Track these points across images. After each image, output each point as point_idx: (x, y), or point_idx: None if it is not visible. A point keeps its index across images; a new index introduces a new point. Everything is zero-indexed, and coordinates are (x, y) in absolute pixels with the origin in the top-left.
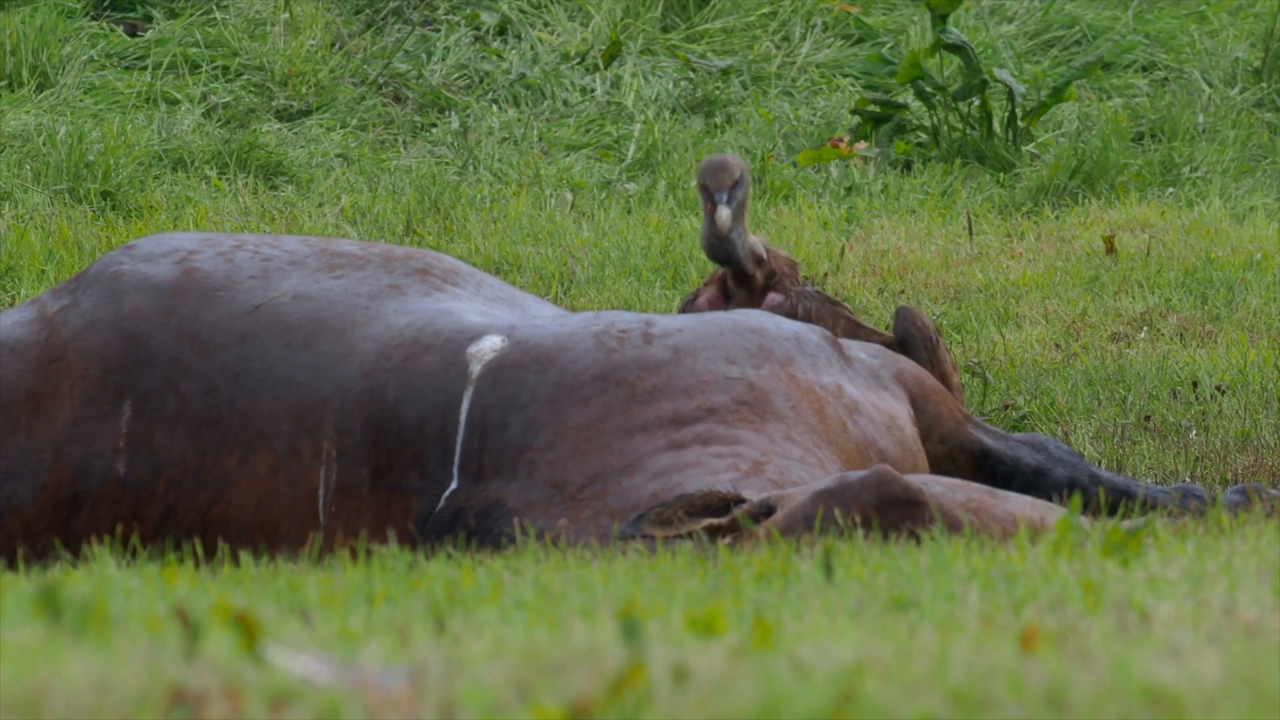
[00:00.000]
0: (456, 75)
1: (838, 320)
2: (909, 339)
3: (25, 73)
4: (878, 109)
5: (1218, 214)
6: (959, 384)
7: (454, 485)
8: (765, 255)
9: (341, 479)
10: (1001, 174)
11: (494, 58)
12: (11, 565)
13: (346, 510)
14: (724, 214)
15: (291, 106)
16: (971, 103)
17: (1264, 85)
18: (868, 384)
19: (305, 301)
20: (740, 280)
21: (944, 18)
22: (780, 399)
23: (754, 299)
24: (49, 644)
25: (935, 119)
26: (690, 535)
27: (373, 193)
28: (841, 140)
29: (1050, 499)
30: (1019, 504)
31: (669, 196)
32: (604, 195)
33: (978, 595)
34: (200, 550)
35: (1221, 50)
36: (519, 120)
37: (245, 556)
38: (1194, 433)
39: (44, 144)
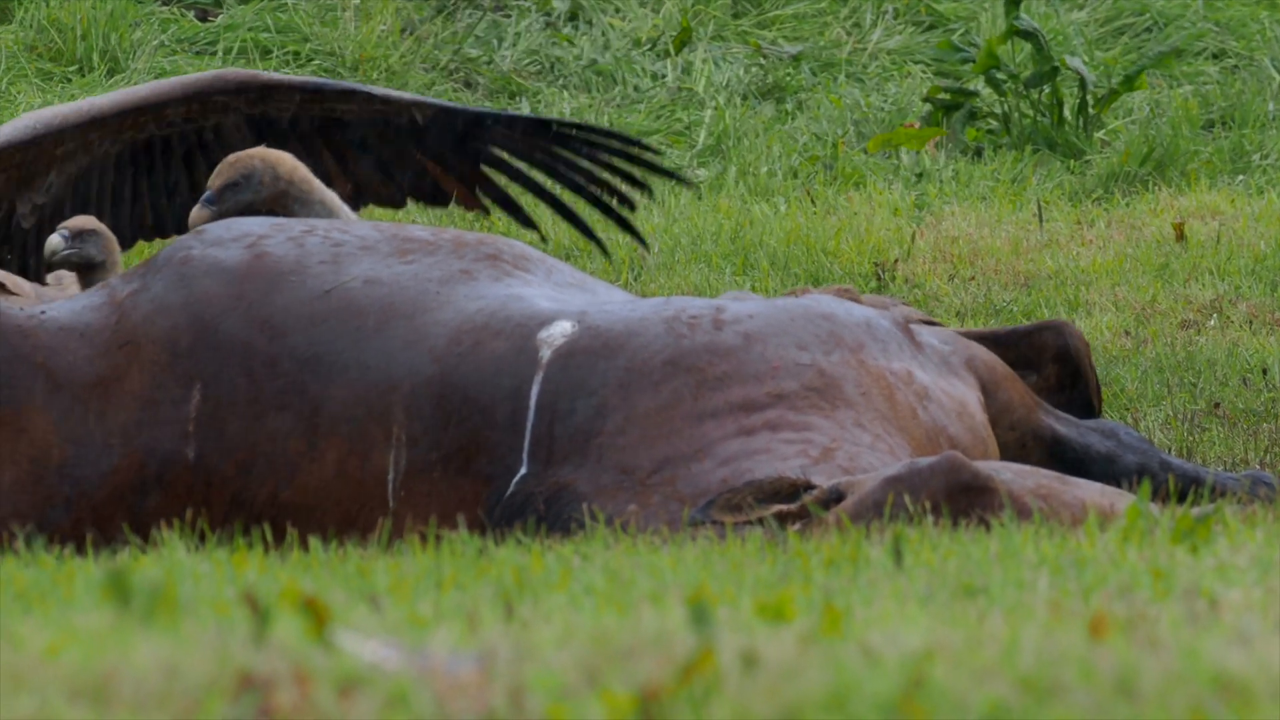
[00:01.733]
0: (527, 61)
1: None
2: (1070, 355)
3: (96, 58)
4: (949, 96)
5: None
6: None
7: (523, 470)
8: None
9: (411, 464)
10: (1072, 161)
11: (565, 44)
12: (81, 550)
13: (416, 495)
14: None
15: None
16: (1042, 90)
17: None
18: (938, 370)
19: (376, 286)
20: None
21: (1017, 4)
22: (850, 385)
23: None
24: (118, 629)
25: (1006, 106)
26: (760, 521)
27: None
28: (914, 126)
29: (1120, 486)
30: (1088, 490)
31: (739, 183)
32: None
33: (1047, 582)
34: (269, 535)
35: None
36: (590, 106)
37: (314, 541)
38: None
39: None
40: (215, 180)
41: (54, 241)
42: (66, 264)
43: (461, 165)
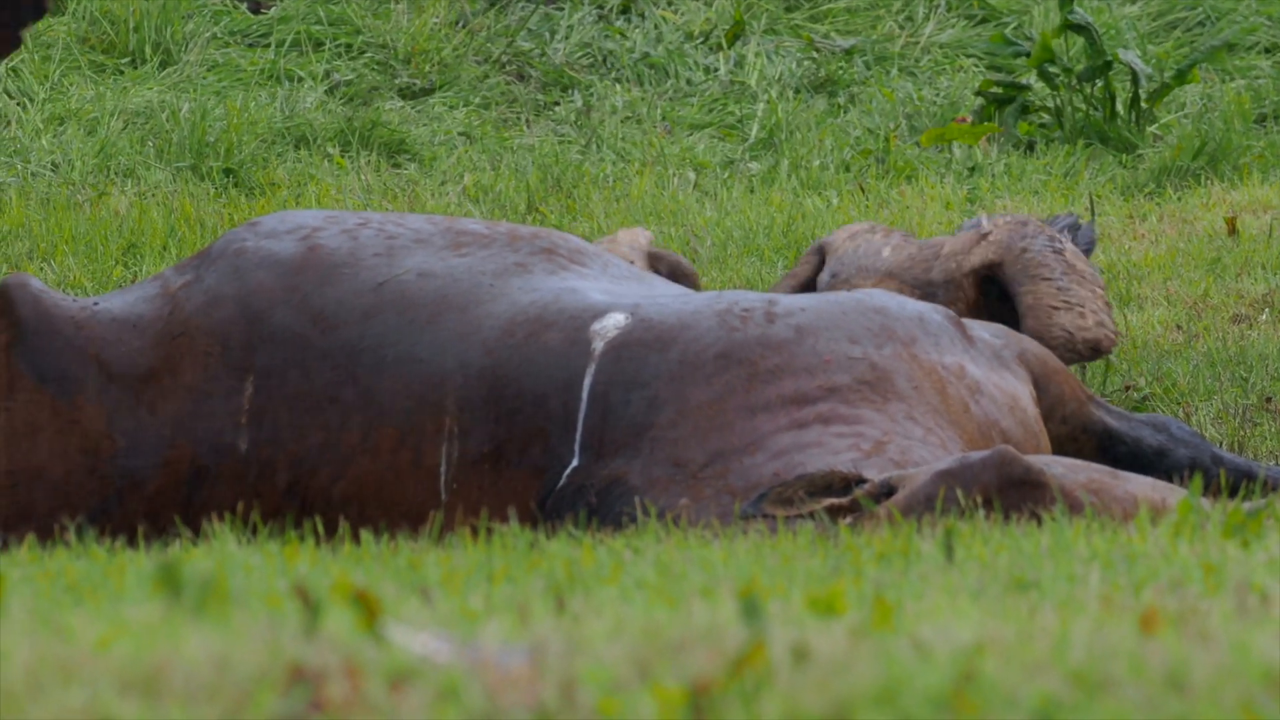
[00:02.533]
0: (580, 54)
1: None
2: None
3: (148, 50)
4: (1001, 90)
5: None
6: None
7: (575, 463)
8: None
9: (463, 456)
10: (1124, 155)
11: (617, 36)
12: (132, 542)
13: (467, 487)
14: None
15: (414, 84)
16: (1095, 84)
17: None
18: (990, 364)
19: (429, 279)
20: None
21: None
22: (902, 379)
23: None
24: (169, 621)
25: (1059, 100)
26: (811, 515)
27: (495, 171)
28: (966, 120)
29: (1171, 480)
30: (1140, 485)
31: (792, 176)
32: (727, 175)
33: (1098, 576)
34: (321, 528)
35: None
36: (642, 99)
37: (366, 534)
38: None
39: (166, 121)
40: None
41: None
42: None
43: None
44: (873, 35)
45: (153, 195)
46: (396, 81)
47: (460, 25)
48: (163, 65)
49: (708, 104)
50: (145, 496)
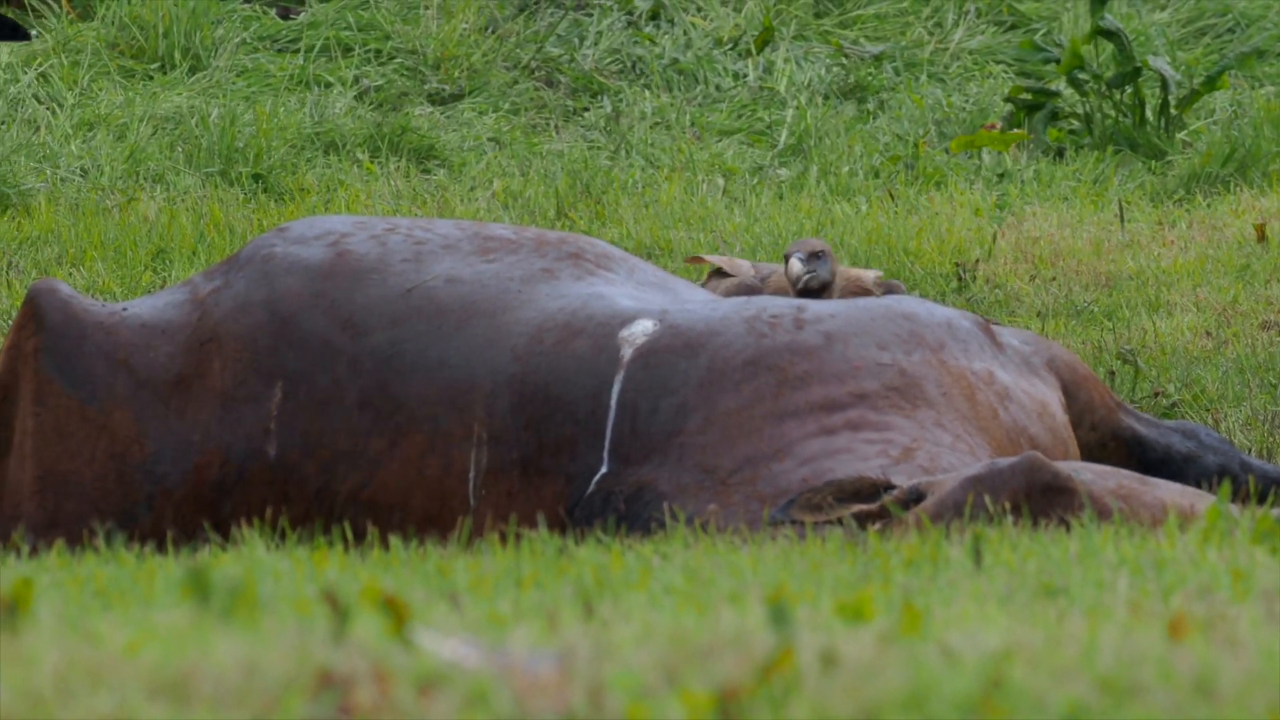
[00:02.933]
0: (609, 60)
1: None
2: None
3: (178, 55)
4: (1030, 96)
5: None
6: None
7: (604, 469)
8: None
9: (492, 462)
10: (1153, 162)
11: (646, 42)
12: (161, 547)
13: (496, 493)
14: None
15: (444, 90)
16: (1125, 90)
17: None
18: (1019, 370)
19: (458, 285)
20: None
21: (1103, 3)
22: (931, 385)
23: None
24: (198, 626)
25: (1088, 106)
26: (840, 521)
27: (524, 177)
28: (995, 126)
29: (1201, 486)
30: (1169, 491)
31: (821, 182)
32: (756, 181)
33: (1127, 582)
34: (350, 533)
35: None
36: (671, 105)
37: (395, 540)
38: None
39: (196, 126)
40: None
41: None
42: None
43: None
44: (902, 41)
45: (182, 201)
46: (426, 87)
47: (490, 31)
48: (192, 70)
49: (737, 110)
50: (174, 502)
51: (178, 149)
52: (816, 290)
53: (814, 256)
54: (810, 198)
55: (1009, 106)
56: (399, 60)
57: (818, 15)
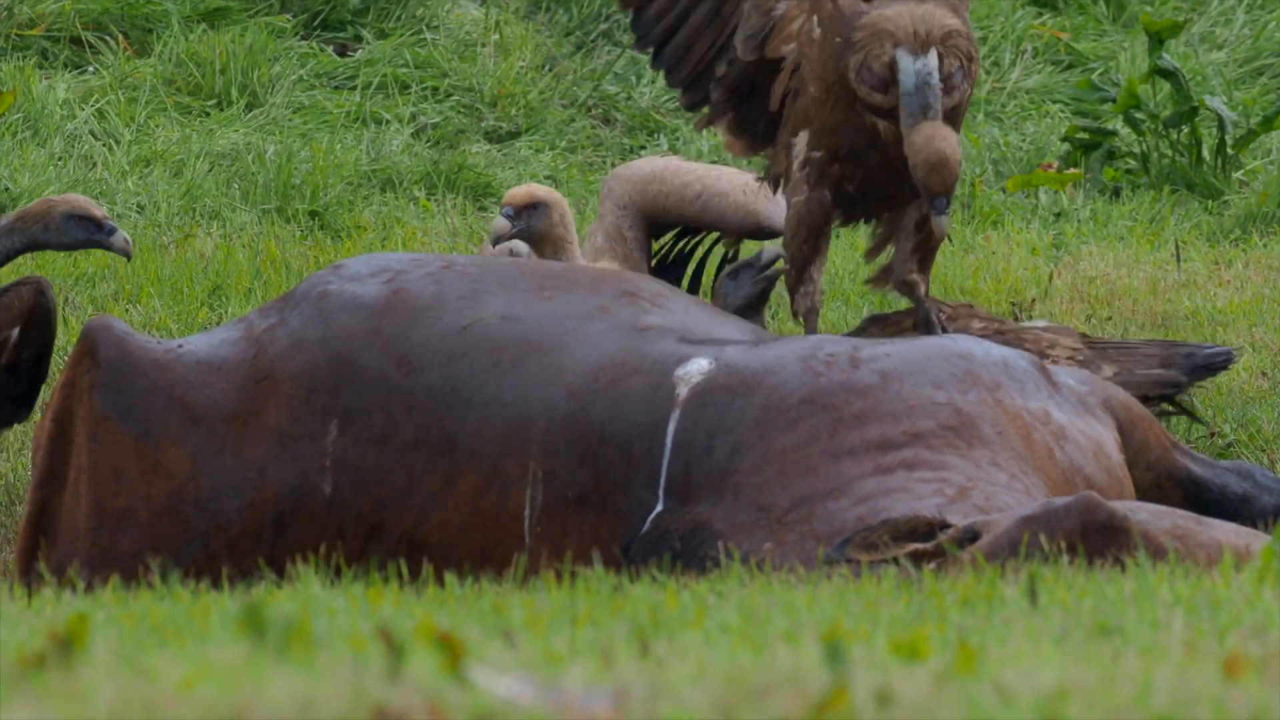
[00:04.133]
0: (666, 98)
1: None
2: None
3: (235, 92)
4: (1087, 135)
5: None
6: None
7: (659, 507)
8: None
9: (547, 500)
10: (1210, 201)
11: None
12: (216, 584)
13: (552, 531)
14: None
15: (500, 128)
16: (1181, 130)
17: None
18: (1075, 410)
19: (513, 323)
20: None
21: (1161, 43)
22: (987, 425)
23: None
24: (253, 662)
25: (1145, 146)
26: (895, 560)
27: (581, 215)
28: (1051, 166)
29: (1256, 526)
30: (1224, 531)
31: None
32: None
33: (1182, 621)
34: (405, 570)
35: None
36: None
37: (450, 577)
38: None
39: (252, 163)
40: (515, 199)
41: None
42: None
43: None
44: None
45: (238, 237)
46: (482, 124)
47: (547, 69)
48: (249, 107)
49: None
50: (229, 538)
51: (234, 186)
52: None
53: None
54: (866, 236)
55: (1066, 146)
56: (456, 98)
57: None
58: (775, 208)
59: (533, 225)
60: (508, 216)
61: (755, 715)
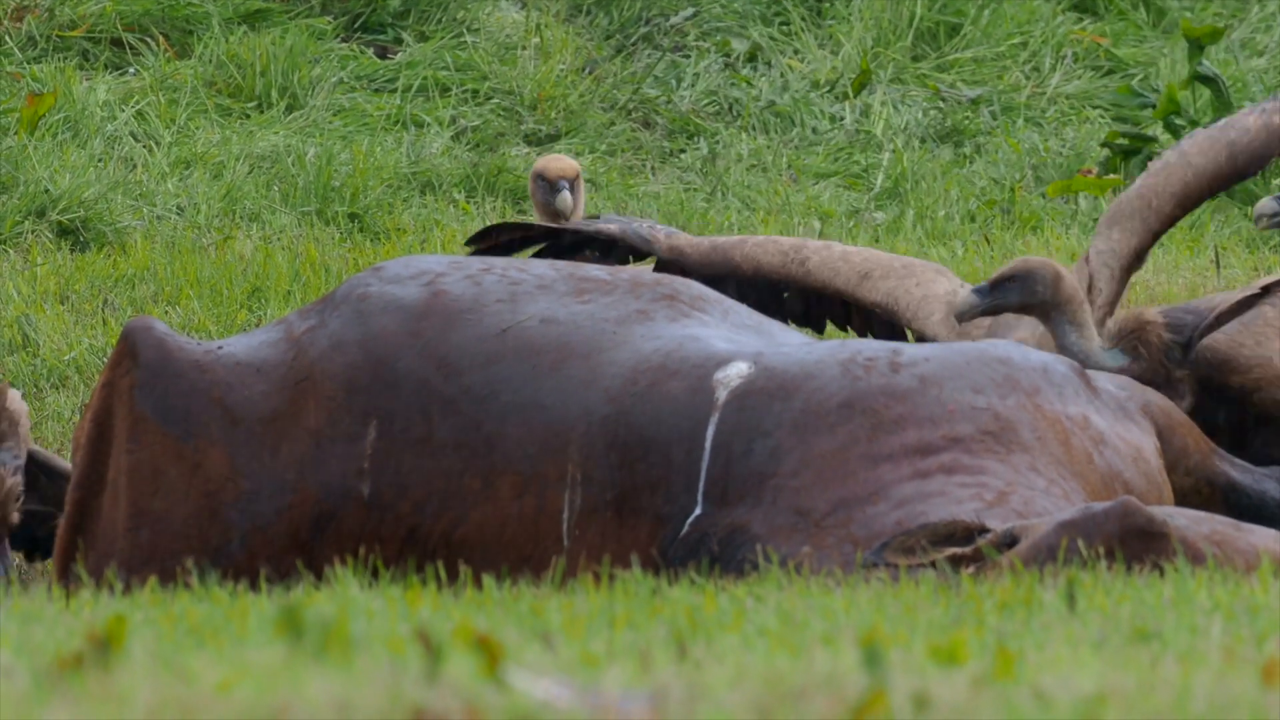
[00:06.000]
0: (706, 102)
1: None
2: None
3: (275, 94)
4: (1127, 141)
5: None
6: None
7: (698, 510)
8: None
9: (586, 503)
10: (1249, 208)
11: (743, 85)
12: (254, 585)
13: (590, 534)
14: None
15: (540, 130)
16: None
17: None
18: (1114, 415)
19: (552, 326)
20: None
21: (1201, 49)
22: (1026, 429)
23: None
24: (291, 664)
25: None
26: (933, 564)
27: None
28: (1091, 171)
29: None
30: (1263, 537)
31: (917, 226)
32: (852, 224)
33: (1220, 627)
34: (443, 572)
35: None
36: (768, 147)
37: (488, 579)
38: None
39: (292, 165)
40: (567, 172)
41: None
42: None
43: None
44: (999, 85)
45: (278, 239)
46: (522, 127)
47: (587, 72)
48: (289, 110)
49: (833, 153)
50: (267, 539)
51: (274, 188)
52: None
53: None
54: (906, 241)
55: (1105, 151)
56: (496, 100)
57: (915, 59)
58: None
59: (580, 199)
60: (568, 189)
61: (792, 718)
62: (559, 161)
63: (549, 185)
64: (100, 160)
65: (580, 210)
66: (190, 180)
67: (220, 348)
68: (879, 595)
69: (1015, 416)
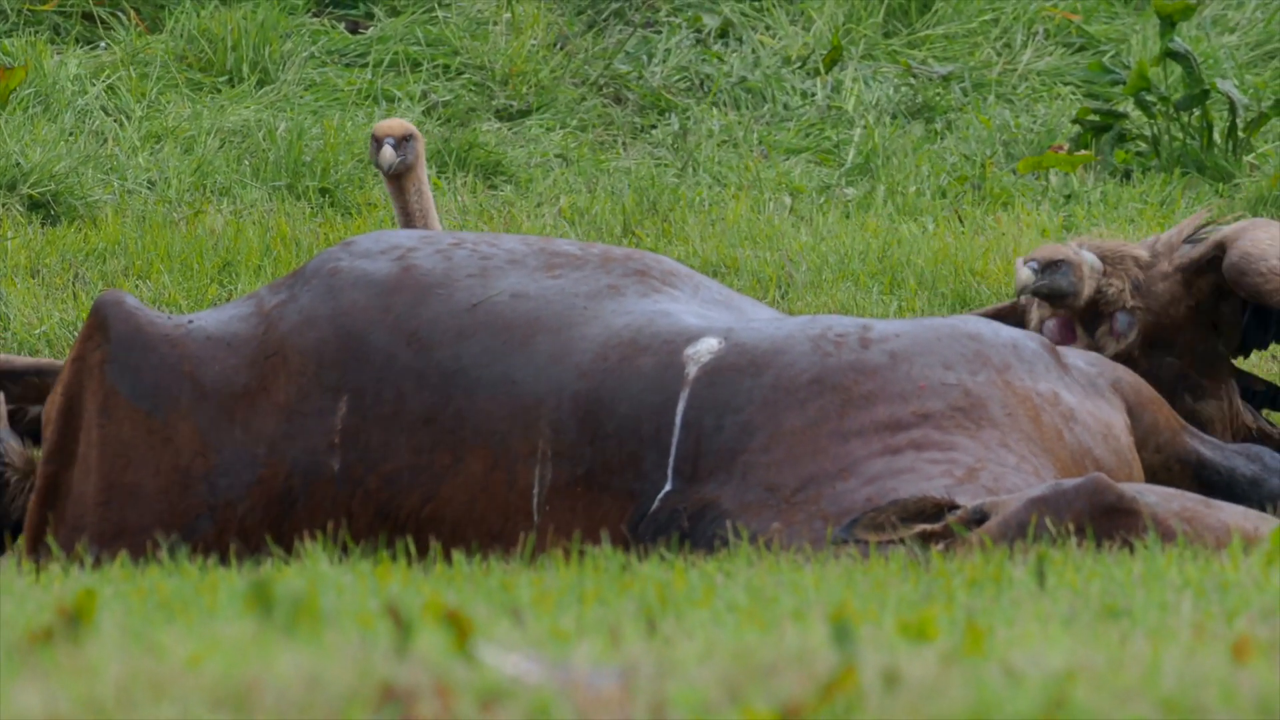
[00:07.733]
0: (677, 77)
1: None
2: None
3: (246, 68)
4: (1098, 118)
5: None
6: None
7: (668, 487)
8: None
9: (556, 478)
10: (1220, 184)
11: (715, 60)
12: (224, 560)
13: (560, 510)
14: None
15: (511, 106)
16: (1192, 113)
17: None
18: (1085, 392)
19: (523, 300)
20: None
21: (1173, 25)
22: (996, 406)
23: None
24: (260, 639)
25: (1156, 129)
26: (903, 541)
27: (591, 194)
28: (1062, 148)
29: (1265, 510)
30: (1233, 514)
31: (888, 202)
32: (823, 200)
33: (1190, 604)
34: (413, 548)
35: None
36: (739, 123)
37: (458, 555)
38: None
39: (263, 140)
40: (394, 130)
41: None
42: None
43: None
44: (970, 62)
45: (249, 214)
46: (494, 103)
47: (558, 47)
48: (260, 84)
49: (804, 129)
50: (237, 514)
51: (245, 162)
52: (1048, 298)
53: (1050, 266)
54: (877, 217)
55: (1076, 128)
56: (467, 76)
57: (886, 35)
58: None
59: (407, 158)
60: (392, 146)
61: (762, 694)
62: (389, 121)
63: (377, 144)
64: (71, 134)
65: (418, 172)
66: (161, 154)
67: (191, 322)
68: (849, 571)
69: (985, 393)
